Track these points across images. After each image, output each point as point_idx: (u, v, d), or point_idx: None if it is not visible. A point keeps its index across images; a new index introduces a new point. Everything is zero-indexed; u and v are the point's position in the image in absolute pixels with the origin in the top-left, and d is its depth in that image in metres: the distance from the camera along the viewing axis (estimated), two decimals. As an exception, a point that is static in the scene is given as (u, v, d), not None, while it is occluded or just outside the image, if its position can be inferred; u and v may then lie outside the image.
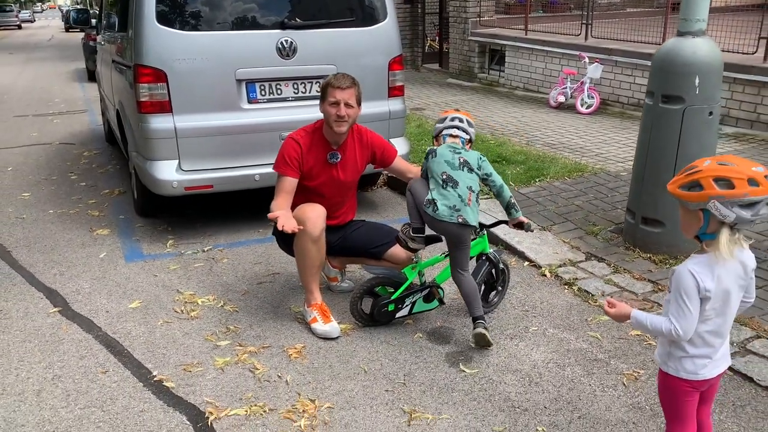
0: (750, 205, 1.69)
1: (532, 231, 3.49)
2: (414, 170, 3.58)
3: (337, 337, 3.25)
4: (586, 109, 8.39)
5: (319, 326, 3.26)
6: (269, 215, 3.09)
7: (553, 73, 9.58)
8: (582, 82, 8.49)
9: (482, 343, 3.05)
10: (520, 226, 3.29)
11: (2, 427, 2.60)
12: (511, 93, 10.30)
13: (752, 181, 1.69)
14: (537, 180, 5.42)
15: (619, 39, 8.87)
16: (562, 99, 8.75)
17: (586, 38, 9.25)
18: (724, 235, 1.74)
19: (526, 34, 10.27)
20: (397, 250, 3.38)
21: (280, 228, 3.00)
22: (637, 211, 4.10)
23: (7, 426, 2.60)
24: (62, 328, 3.38)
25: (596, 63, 8.37)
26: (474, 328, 3.04)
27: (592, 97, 8.39)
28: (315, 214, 3.19)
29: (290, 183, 3.25)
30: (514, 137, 7.07)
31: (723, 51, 7.10)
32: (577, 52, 8.83)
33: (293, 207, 3.28)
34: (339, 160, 3.36)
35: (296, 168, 3.26)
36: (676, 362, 1.89)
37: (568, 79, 8.76)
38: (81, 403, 2.74)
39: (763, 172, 1.70)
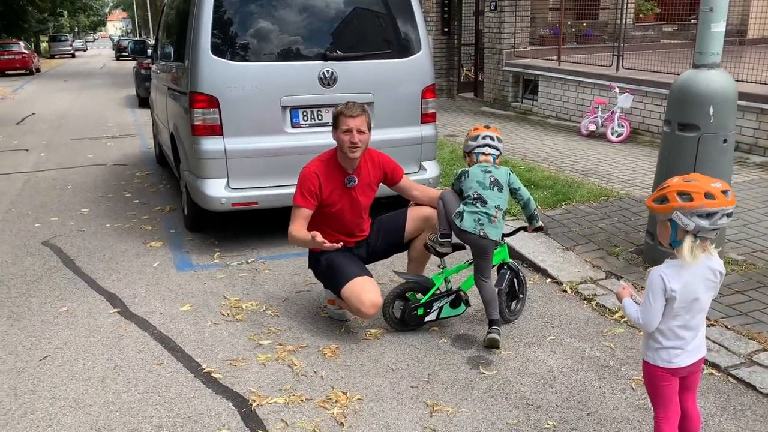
0: (708, 215, 1.97)
1: (546, 233, 3.81)
2: (419, 187, 3.90)
3: (346, 320, 3.72)
4: (617, 137, 8.59)
5: (334, 309, 3.77)
6: (318, 239, 3.29)
7: (585, 103, 9.82)
8: (612, 112, 8.71)
9: (493, 346, 3.33)
10: (538, 229, 3.62)
11: (73, 405, 2.96)
12: (543, 121, 10.56)
13: (708, 195, 1.97)
14: (563, 203, 5.65)
15: (650, 70, 9.08)
16: (593, 128, 8.97)
17: (617, 69, 9.49)
18: (687, 242, 2.02)
19: (559, 65, 10.55)
20: (410, 228, 3.73)
21: (324, 248, 3.32)
22: (655, 233, 4.31)
23: (77, 405, 2.96)
24: (121, 326, 3.76)
25: (627, 93, 8.59)
26: (489, 333, 3.35)
27: (623, 126, 8.60)
28: (371, 305, 3.40)
29: (307, 212, 3.51)
30: (543, 163, 7.32)
31: (752, 82, 7.33)
32: (608, 83, 9.07)
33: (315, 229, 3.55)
34: (356, 183, 3.61)
35: (314, 200, 3.50)
36: (653, 352, 2.18)
37: (599, 109, 9.00)
38: (140, 388, 3.09)
39: (721, 187, 1.99)
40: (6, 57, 28.57)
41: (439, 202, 3.52)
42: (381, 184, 3.82)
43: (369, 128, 3.56)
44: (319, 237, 3.31)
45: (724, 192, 1.99)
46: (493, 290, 3.42)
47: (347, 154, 3.50)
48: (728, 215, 1.99)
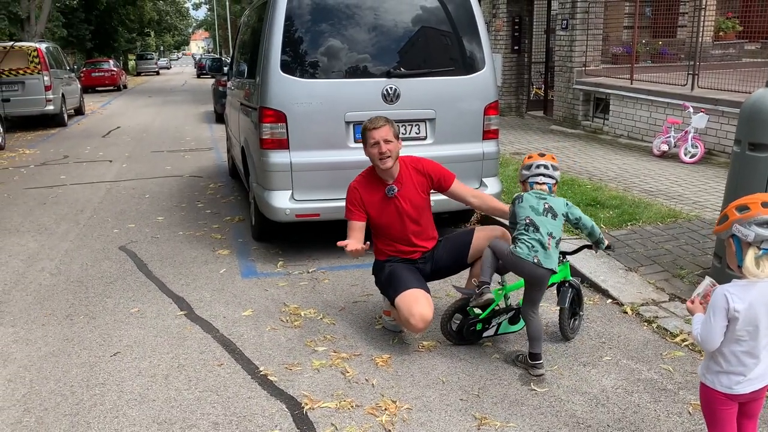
0: (767, 224, 1.93)
1: (613, 251, 3.85)
2: (477, 194, 3.88)
3: (400, 332, 3.74)
4: (690, 158, 8.32)
5: (389, 320, 3.84)
6: (339, 243, 3.48)
7: (658, 122, 9.56)
8: (686, 132, 8.45)
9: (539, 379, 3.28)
10: (606, 248, 3.57)
11: (138, 399, 3.14)
12: (614, 141, 10.34)
13: (766, 204, 1.95)
14: (629, 223, 5.53)
15: (727, 89, 8.76)
16: (665, 148, 8.73)
17: (692, 88, 9.21)
18: (749, 254, 1.98)
19: (631, 84, 10.33)
20: (477, 245, 3.70)
21: (347, 249, 3.44)
22: (723, 256, 4.17)
23: (142, 399, 3.14)
24: (187, 328, 3.94)
25: (702, 113, 8.33)
26: (537, 369, 3.28)
27: (696, 147, 8.33)
28: (421, 318, 3.40)
29: (359, 224, 3.66)
30: (611, 183, 7.18)
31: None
32: (681, 102, 8.82)
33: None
34: (397, 191, 3.67)
35: (360, 211, 3.65)
36: (713, 376, 2.11)
37: (672, 128, 8.75)
38: (200, 387, 3.24)
39: None
40: (97, 74, 30.38)
41: (487, 250, 3.41)
42: (435, 191, 3.85)
43: (396, 137, 3.62)
44: (350, 246, 3.46)
45: None
46: (541, 326, 3.33)
47: (379, 165, 3.60)
48: None
